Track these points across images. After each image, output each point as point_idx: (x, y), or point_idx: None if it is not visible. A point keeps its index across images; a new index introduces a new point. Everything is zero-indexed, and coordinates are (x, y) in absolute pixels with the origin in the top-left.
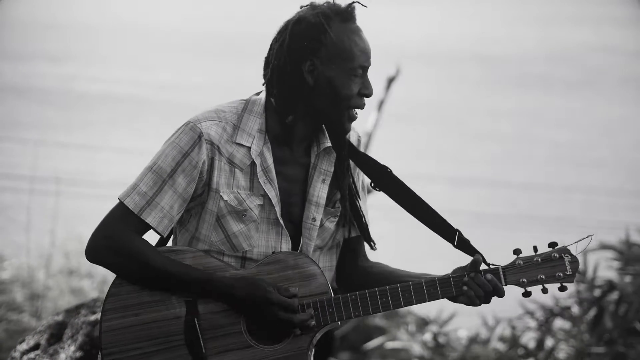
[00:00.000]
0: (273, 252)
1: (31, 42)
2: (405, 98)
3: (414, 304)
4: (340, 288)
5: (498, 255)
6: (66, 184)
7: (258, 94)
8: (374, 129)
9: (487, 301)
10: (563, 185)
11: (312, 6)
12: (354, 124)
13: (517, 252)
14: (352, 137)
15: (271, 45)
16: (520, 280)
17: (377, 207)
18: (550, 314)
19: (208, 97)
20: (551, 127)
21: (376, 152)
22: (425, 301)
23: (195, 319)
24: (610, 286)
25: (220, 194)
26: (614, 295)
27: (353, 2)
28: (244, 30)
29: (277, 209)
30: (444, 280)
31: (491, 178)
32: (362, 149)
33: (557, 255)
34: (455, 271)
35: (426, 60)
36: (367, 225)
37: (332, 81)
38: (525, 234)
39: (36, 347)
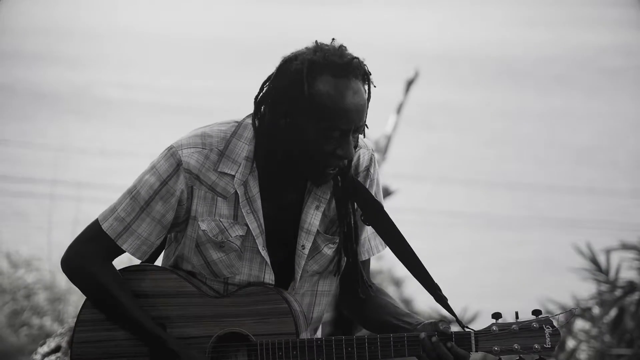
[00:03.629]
0: (249, 284)
1: (49, 48)
2: (422, 100)
3: (379, 358)
4: (342, 308)
5: (509, 256)
6: (87, 188)
7: (251, 115)
8: (393, 131)
9: None
10: (582, 187)
11: (315, 48)
12: (366, 140)
13: (496, 316)
14: (365, 156)
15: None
16: (493, 348)
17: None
18: (571, 314)
19: (221, 101)
20: (569, 129)
21: (393, 154)
22: (392, 357)
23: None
24: (631, 287)
25: (199, 222)
26: (635, 296)
27: (354, 59)
28: (256, 36)
29: (259, 241)
30: (412, 338)
31: (507, 180)
32: (380, 153)
33: (537, 326)
34: (424, 326)
35: (443, 62)
36: (357, 266)
37: (302, 133)
38: (540, 234)
39: (57, 349)
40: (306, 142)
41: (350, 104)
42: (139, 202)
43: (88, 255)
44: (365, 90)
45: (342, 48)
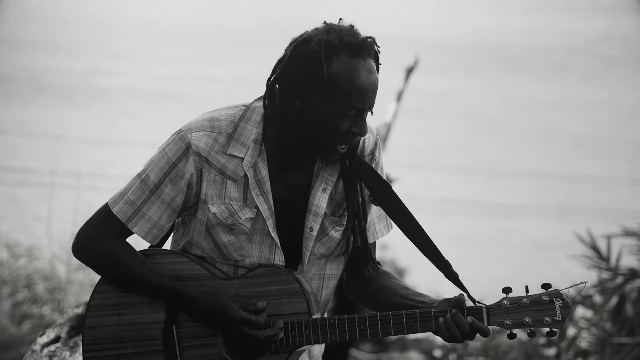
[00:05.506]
0: (260, 265)
1: (47, 36)
2: (420, 88)
3: (391, 335)
4: (347, 292)
5: (508, 243)
6: (86, 178)
7: (260, 98)
8: (393, 119)
9: (470, 338)
10: (580, 175)
11: (328, 28)
12: (372, 125)
13: (506, 290)
14: (370, 140)
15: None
16: (505, 322)
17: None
18: (572, 302)
19: (221, 89)
20: (567, 117)
21: (393, 142)
22: (404, 333)
23: (174, 326)
24: (632, 274)
25: (209, 205)
26: (636, 283)
27: (368, 38)
28: (254, 23)
29: (269, 222)
30: (424, 314)
31: (506, 167)
32: (381, 142)
33: (548, 299)
34: (440, 304)
35: (440, 49)
36: (367, 245)
37: (318, 113)
38: (539, 222)
39: (57, 339)
40: (322, 121)
41: (366, 83)
42: (148, 185)
43: (100, 236)
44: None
45: (353, 27)
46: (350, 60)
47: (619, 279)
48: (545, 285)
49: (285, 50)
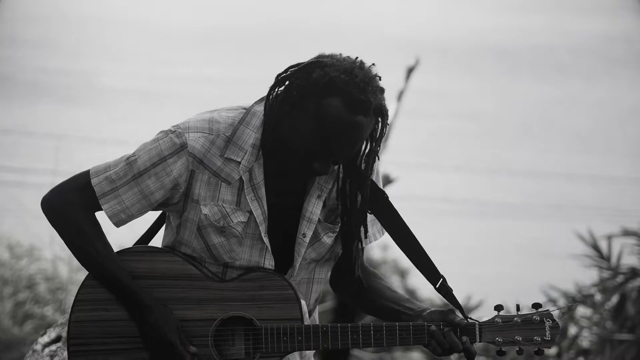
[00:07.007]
0: (253, 269)
1: (48, 36)
2: (421, 88)
3: (383, 346)
4: (335, 292)
5: (510, 243)
6: None
7: (260, 102)
8: (394, 119)
9: (452, 353)
10: (580, 174)
11: (348, 67)
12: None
13: (498, 308)
14: None
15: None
16: (496, 339)
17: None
18: (573, 301)
19: (220, 90)
20: (568, 116)
21: (393, 142)
22: (396, 345)
23: None
24: (632, 273)
25: (201, 206)
26: (637, 282)
27: (375, 99)
28: (255, 23)
29: (262, 227)
30: (417, 327)
31: (506, 167)
32: (382, 141)
33: (538, 319)
34: (431, 314)
35: (439, 50)
36: (355, 254)
37: (298, 128)
38: (540, 221)
39: (58, 339)
40: (298, 139)
41: (344, 139)
42: (132, 169)
43: (73, 201)
44: (372, 125)
45: (372, 81)
46: (342, 109)
47: (620, 278)
48: (536, 305)
49: (310, 59)
